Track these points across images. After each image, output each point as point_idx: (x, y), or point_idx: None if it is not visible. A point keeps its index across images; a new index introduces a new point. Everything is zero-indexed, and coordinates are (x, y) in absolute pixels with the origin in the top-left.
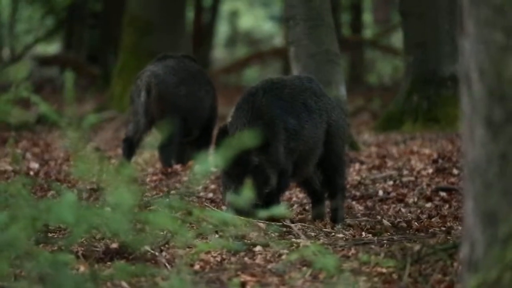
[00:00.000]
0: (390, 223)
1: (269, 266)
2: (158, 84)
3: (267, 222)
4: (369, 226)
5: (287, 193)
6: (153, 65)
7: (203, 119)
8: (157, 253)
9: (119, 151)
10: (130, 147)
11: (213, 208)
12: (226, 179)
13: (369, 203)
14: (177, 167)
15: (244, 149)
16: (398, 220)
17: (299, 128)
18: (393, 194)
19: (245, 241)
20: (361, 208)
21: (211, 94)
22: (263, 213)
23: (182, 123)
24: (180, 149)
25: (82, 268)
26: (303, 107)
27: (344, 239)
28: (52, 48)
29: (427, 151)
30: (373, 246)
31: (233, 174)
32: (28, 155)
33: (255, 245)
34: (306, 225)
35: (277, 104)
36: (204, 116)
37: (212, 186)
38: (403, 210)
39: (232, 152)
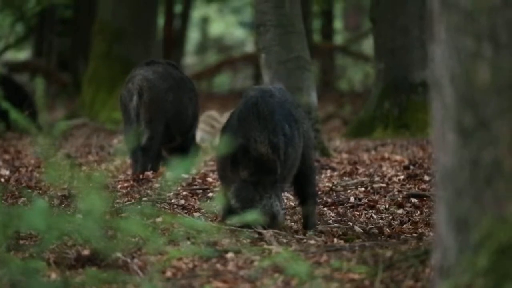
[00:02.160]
0: (362, 229)
1: (241, 273)
2: (151, 88)
3: (239, 228)
4: (340, 233)
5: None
6: (142, 69)
7: (186, 126)
8: (128, 260)
9: (90, 157)
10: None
11: (185, 215)
12: (249, 190)
13: (340, 210)
14: (149, 173)
15: (269, 158)
16: (370, 226)
17: (291, 135)
18: (364, 200)
19: (217, 247)
20: (332, 214)
21: (194, 102)
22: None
23: (164, 129)
24: (156, 156)
25: (53, 275)
26: (290, 116)
27: (316, 245)
28: (22, 55)
29: (398, 157)
30: (345, 253)
31: (256, 184)
32: None
33: (227, 252)
34: (278, 231)
35: (277, 112)
36: (187, 123)
37: (184, 193)
38: (374, 216)
39: (255, 161)
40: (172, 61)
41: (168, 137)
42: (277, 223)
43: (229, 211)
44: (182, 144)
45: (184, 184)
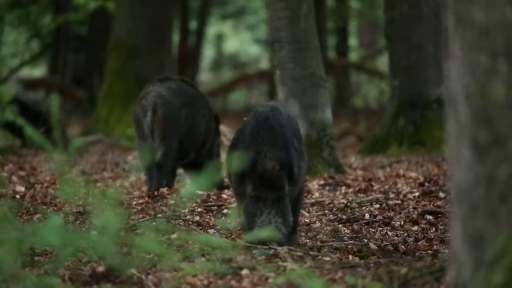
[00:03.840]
0: (377, 246)
1: None
2: (165, 105)
3: (254, 245)
4: (355, 249)
5: None
6: (156, 86)
7: (199, 142)
8: (143, 277)
9: (105, 174)
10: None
11: (200, 231)
12: (253, 204)
13: (355, 226)
14: (164, 190)
15: (275, 173)
16: (385, 243)
17: (300, 150)
18: (379, 217)
19: (232, 264)
20: (347, 231)
21: (207, 118)
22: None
23: (178, 146)
24: (171, 172)
25: None
26: (297, 132)
27: (330, 262)
28: (38, 71)
29: (413, 174)
30: (359, 269)
31: (259, 198)
32: (14, 178)
33: (241, 268)
34: (292, 248)
35: (287, 128)
36: (199, 140)
37: (199, 209)
38: (389, 233)
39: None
40: (186, 77)
41: (181, 153)
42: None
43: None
44: (196, 160)
45: (199, 200)
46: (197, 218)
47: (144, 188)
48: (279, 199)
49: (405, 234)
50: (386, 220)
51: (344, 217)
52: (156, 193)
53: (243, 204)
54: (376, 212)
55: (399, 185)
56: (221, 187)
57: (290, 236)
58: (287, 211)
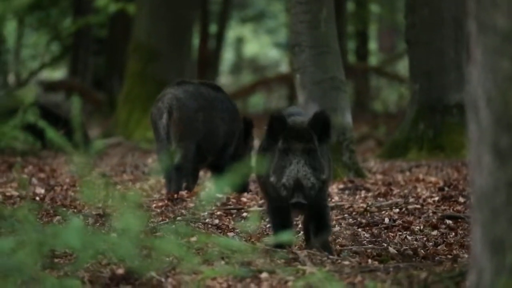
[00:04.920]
0: (396, 250)
1: None
2: (180, 108)
3: (274, 248)
4: (375, 254)
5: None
6: (173, 89)
7: (218, 146)
8: (163, 279)
9: (125, 176)
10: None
11: (219, 234)
12: (282, 157)
13: (375, 231)
14: (183, 193)
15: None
16: (404, 247)
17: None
18: (399, 221)
19: (251, 267)
20: (367, 235)
21: (227, 122)
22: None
23: (196, 149)
24: (192, 175)
25: None
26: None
27: (350, 266)
28: (58, 74)
29: (433, 179)
30: (379, 274)
31: (294, 150)
32: (34, 180)
33: (261, 272)
34: (312, 251)
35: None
36: (218, 144)
37: (218, 213)
38: (409, 237)
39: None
40: (210, 81)
41: (200, 156)
42: (304, 191)
43: (275, 228)
44: (218, 163)
45: (218, 203)
46: (217, 221)
47: (164, 191)
48: (310, 151)
49: (425, 239)
50: (406, 225)
51: (363, 221)
52: (175, 196)
53: (273, 161)
54: (396, 217)
55: (418, 190)
56: (244, 190)
57: (324, 235)
58: (318, 164)
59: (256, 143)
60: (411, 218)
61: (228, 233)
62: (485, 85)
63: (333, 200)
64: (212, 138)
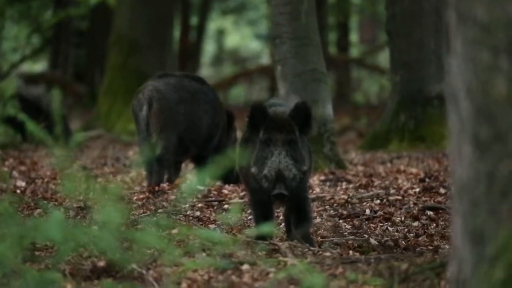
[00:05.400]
0: (377, 241)
1: (256, 285)
2: (160, 99)
3: (255, 240)
4: (356, 245)
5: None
6: (154, 81)
7: (201, 138)
8: (144, 271)
9: (106, 169)
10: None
11: (200, 227)
12: (263, 148)
13: (356, 222)
14: (164, 185)
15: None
16: (385, 239)
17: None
18: (380, 213)
19: (232, 259)
20: (348, 226)
21: (210, 114)
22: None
23: (178, 141)
24: (174, 167)
25: (69, 287)
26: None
27: (331, 257)
28: (38, 66)
29: (414, 170)
30: (360, 265)
31: (276, 141)
32: (15, 173)
33: (242, 264)
34: (293, 243)
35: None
36: (202, 136)
37: (200, 205)
38: (390, 229)
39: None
40: (192, 73)
41: (182, 148)
42: (285, 182)
43: (257, 220)
44: (201, 155)
45: (199, 196)
46: (198, 213)
47: (145, 183)
48: (291, 143)
49: (406, 230)
50: (387, 216)
51: (344, 212)
52: (156, 188)
53: (254, 152)
54: (377, 208)
55: (399, 181)
56: (228, 180)
57: (305, 227)
58: (299, 155)
59: (239, 134)
60: (392, 210)
61: (210, 225)
62: (465, 76)
63: (314, 192)
64: (195, 130)
